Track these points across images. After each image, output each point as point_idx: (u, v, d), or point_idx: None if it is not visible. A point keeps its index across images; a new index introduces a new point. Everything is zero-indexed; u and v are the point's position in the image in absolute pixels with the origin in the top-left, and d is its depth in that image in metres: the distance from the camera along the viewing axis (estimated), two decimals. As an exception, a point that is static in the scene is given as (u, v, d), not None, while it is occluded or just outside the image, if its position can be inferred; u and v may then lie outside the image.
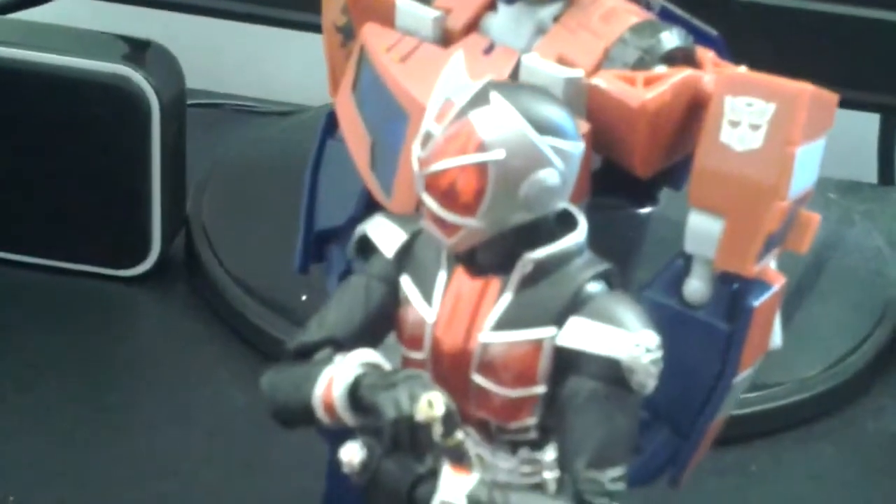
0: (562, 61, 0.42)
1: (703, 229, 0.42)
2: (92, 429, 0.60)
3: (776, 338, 0.45)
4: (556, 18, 0.44)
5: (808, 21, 0.67)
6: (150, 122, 0.66)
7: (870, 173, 0.84)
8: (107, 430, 0.60)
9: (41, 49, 0.66)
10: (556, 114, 0.38)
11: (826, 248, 0.72)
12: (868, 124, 0.83)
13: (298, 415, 0.40)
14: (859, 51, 0.68)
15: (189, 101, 0.70)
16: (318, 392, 0.39)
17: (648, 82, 0.41)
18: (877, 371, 0.66)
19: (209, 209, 0.71)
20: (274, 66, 0.89)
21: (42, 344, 0.64)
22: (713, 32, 0.45)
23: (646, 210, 0.49)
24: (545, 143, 0.38)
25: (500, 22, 0.44)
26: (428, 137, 0.38)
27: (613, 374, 0.38)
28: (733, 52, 0.45)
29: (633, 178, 0.44)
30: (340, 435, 0.38)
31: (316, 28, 0.52)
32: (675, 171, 0.45)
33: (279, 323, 0.64)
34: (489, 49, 0.44)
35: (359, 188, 0.47)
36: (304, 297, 0.63)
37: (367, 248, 0.42)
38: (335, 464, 0.38)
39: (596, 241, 0.40)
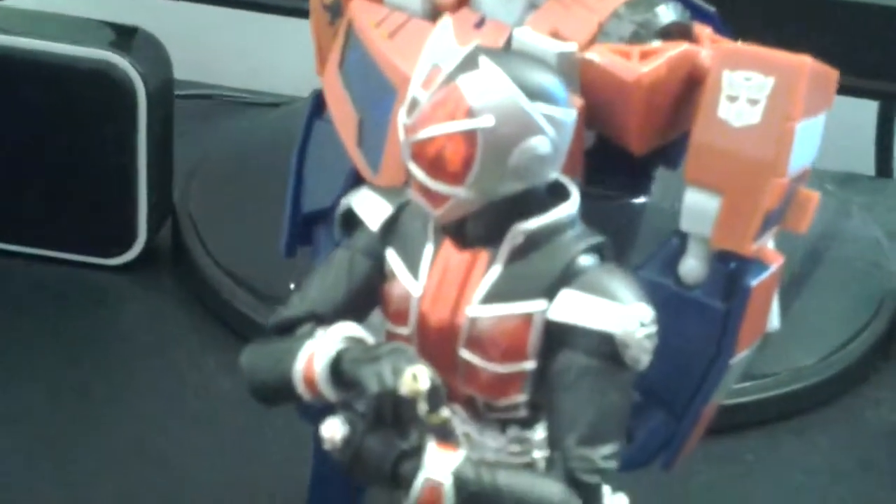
0: (555, 36, 0.41)
1: (699, 207, 0.41)
2: (77, 418, 0.59)
3: (774, 319, 0.44)
4: (548, -8, 0.43)
5: (805, 6, 0.66)
6: (136, 109, 0.65)
7: (867, 165, 0.84)
8: (92, 420, 0.59)
9: (26, 35, 0.65)
10: (547, 80, 0.37)
11: (823, 239, 0.71)
12: (865, 116, 0.83)
13: (278, 391, 0.38)
14: (857, 37, 0.67)
15: (179, 92, 0.69)
16: (299, 366, 0.38)
17: (644, 56, 0.40)
18: (874, 362, 0.66)
19: (197, 198, 0.70)
20: (264, 57, 0.89)
21: (27, 333, 0.63)
22: (710, 9, 0.45)
23: (640, 200, 0.49)
24: (536, 109, 0.37)
25: (491, -4, 0.43)
26: (414, 104, 0.37)
27: (606, 348, 0.36)
28: (729, 35, 0.44)
29: (627, 156, 0.43)
30: (322, 413, 0.37)
31: (305, 13, 0.51)
32: (670, 150, 0.44)
33: (267, 312, 0.62)
34: (480, 23, 0.43)
35: (346, 169, 0.46)
36: (292, 286, 0.61)
37: (352, 221, 0.41)
38: (318, 441, 0.37)
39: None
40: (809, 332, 0.65)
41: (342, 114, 0.45)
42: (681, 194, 0.41)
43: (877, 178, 0.84)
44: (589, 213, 0.39)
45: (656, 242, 0.44)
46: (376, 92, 0.43)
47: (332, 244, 0.48)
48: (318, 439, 0.37)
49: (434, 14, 0.44)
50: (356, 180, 0.46)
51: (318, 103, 0.49)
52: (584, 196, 0.40)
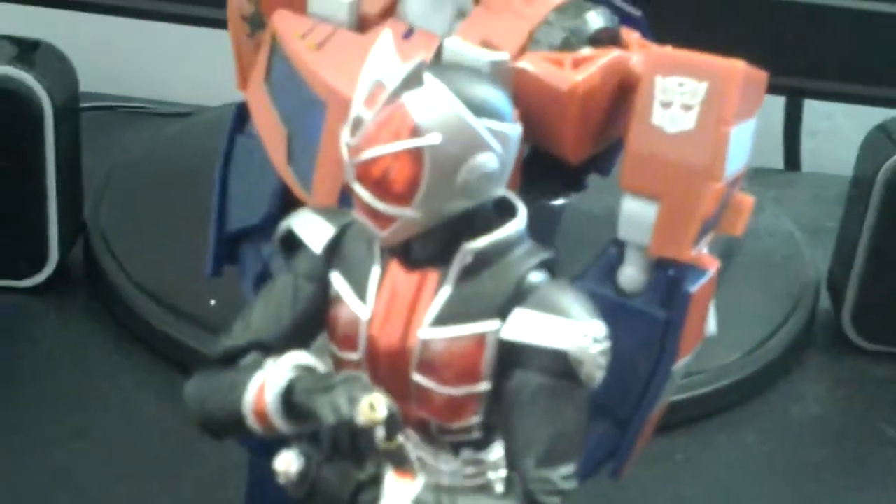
0: (486, 45, 0.41)
1: (637, 215, 0.40)
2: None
3: (711, 324, 0.44)
4: (476, 1, 0.42)
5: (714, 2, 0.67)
6: (43, 125, 0.63)
7: (776, 160, 0.85)
8: (6, 449, 0.57)
9: (-75, 52, 0.63)
10: (492, 95, 0.37)
11: (738, 235, 0.72)
12: (772, 112, 0.84)
13: (228, 424, 0.37)
14: (765, 32, 0.68)
15: (82, 105, 0.67)
16: (249, 398, 0.37)
17: (577, 64, 0.40)
18: (796, 355, 0.66)
19: (108, 214, 0.69)
20: (169, 66, 0.87)
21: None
22: (637, 13, 0.44)
23: (559, 202, 0.48)
24: (482, 125, 0.36)
25: (418, 6, 0.43)
26: (358, 123, 0.36)
27: (561, 366, 0.36)
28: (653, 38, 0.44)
29: (559, 164, 0.42)
30: (269, 446, 0.36)
31: (212, 23, 0.49)
32: (602, 158, 0.43)
33: (187, 330, 0.61)
34: (408, 34, 0.42)
35: (273, 185, 0.45)
36: (212, 303, 0.60)
37: (292, 244, 0.39)
38: (252, 467, 0.35)
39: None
40: (731, 328, 0.64)
41: (269, 129, 0.44)
42: (602, 197, 0.41)
43: (786, 171, 0.85)
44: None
45: (576, 243, 0.43)
46: (304, 106, 0.42)
47: (259, 262, 0.47)
48: (252, 465, 0.36)
49: (361, 25, 0.43)
50: (283, 197, 0.45)
51: (239, 118, 0.48)
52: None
